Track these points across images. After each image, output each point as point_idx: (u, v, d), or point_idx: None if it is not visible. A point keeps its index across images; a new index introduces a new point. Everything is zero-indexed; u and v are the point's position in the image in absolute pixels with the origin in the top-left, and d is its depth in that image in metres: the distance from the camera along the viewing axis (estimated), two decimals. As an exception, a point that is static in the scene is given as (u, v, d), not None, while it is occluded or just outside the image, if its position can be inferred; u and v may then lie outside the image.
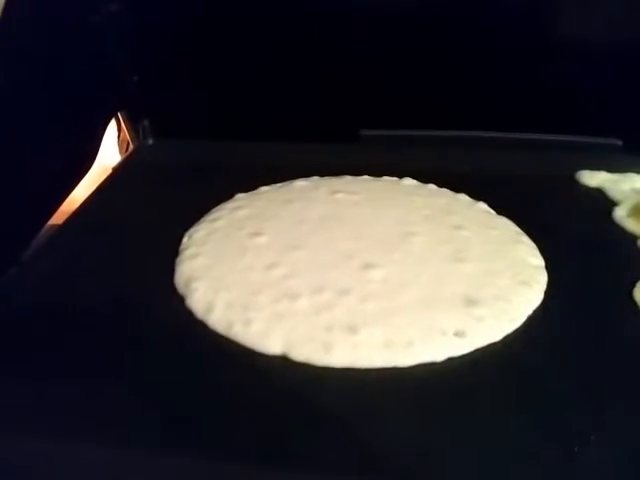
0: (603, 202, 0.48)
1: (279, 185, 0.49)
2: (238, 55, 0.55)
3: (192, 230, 0.43)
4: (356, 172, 0.52)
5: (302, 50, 0.56)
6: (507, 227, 0.43)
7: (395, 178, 0.50)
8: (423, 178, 0.50)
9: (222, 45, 0.54)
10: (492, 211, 0.46)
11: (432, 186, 0.49)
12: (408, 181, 0.50)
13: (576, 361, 0.33)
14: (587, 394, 0.31)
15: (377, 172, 0.52)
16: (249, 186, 0.49)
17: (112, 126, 0.61)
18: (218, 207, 0.46)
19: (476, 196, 0.48)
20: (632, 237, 0.43)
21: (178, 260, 0.39)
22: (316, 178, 0.50)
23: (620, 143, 0.56)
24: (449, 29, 0.53)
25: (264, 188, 0.48)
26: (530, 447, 0.28)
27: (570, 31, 0.54)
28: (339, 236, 0.41)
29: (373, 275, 0.37)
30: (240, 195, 0.47)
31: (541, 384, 0.31)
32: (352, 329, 0.33)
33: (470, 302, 0.35)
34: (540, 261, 0.40)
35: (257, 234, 0.41)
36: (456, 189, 0.49)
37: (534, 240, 0.42)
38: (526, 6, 0.53)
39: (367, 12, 0.55)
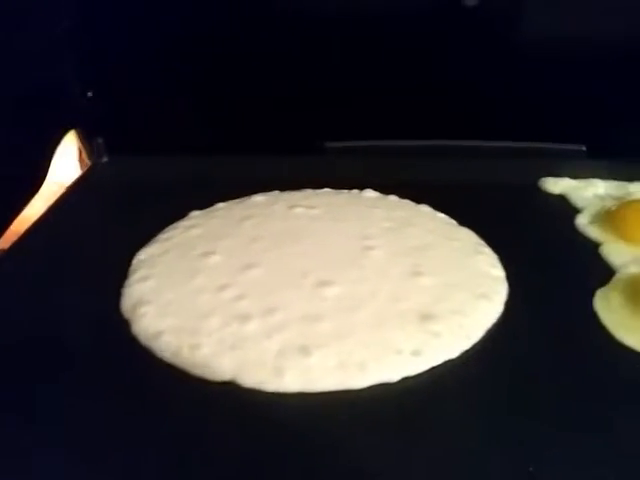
0: (566, 209, 0.47)
1: (237, 201, 0.48)
2: (192, 69, 0.53)
3: (143, 251, 0.41)
4: (320, 185, 0.51)
5: (261, 61, 0.55)
6: (469, 238, 0.43)
7: (356, 190, 0.50)
8: (386, 189, 0.50)
9: (175, 60, 0.53)
10: (454, 222, 0.45)
11: (394, 197, 0.48)
12: (369, 193, 0.49)
13: (535, 375, 0.32)
14: (548, 408, 0.30)
15: (341, 184, 0.51)
16: (206, 203, 0.48)
17: (73, 144, 0.60)
18: (172, 226, 0.44)
19: (438, 207, 0.47)
20: (594, 244, 0.43)
21: (127, 283, 0.38)
22: (276, 192, 0.49)
23: (584, 149, 0.56)
24: (410, 39, 0.52)
25: (221, 204, 0.47)
26: (491, 464, 0.27)
27: (533, 38, 0.54)
28: (295, 253, 0.39)
29: (327, 293, 0.35)
30: (195, 213, 0.46)
31: (500, 400, 0.30)
32: (304, 351, 0.31)
33: (426, 318, 0.34)
34: (500, 272, 0.39)
35: (210, 253, 0.40)
36: (418, 200, 0.48)
37: (495, 250, 0.42)
38: (486, 14, 0.53)
39: (329, 25, 0.54)
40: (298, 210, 0.45)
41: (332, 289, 0.36)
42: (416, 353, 0.32)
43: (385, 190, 0.50)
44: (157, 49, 0.52)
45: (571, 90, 0.54)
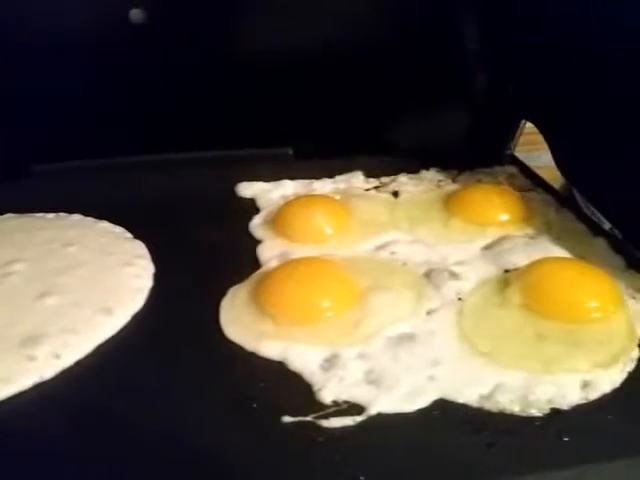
0: (249, 212, 0.49)
1: None
2: None
3: None
4: (14, 210, 0.49)
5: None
6: (129, 251, 0.42)
7: (42, 214, 0.48)
8: (73, 209, 0.48)
9: None
10: (129, 235, 0.45)
11: (77, 216, 0.47)
12: (51, 214, 0.47)
13: (139, 393, 0.31)
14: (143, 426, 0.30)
15: (36, 208, 0.49)
16: None
17: None
18: None
19: (120, 222, 0.47)
20: (258, 243, 0.44)
21: None
22: (-49, 224, 0.46)
23: (291, 152, 0.58)
24: (85, 56, 0.51)
25: None
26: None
27: (210, 51, 0.54)
28: None
29: None
30: None
31: (81, 422, 0.30)
32: None
33: (30, 341, 0.33)
34: (145, 283, 0.39)
35: None
36: (101, 216, 0.47)
37: (156, 261, 0.42)
38: (156, 29, 0.52)
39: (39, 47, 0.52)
40: (-45, 242, 0.43)
41: (-61, 324, 0.34)
42: (4, 380, 0.31)
43: (73, 209, 0.49)
44: None
45: (274, 95, 0.56)
